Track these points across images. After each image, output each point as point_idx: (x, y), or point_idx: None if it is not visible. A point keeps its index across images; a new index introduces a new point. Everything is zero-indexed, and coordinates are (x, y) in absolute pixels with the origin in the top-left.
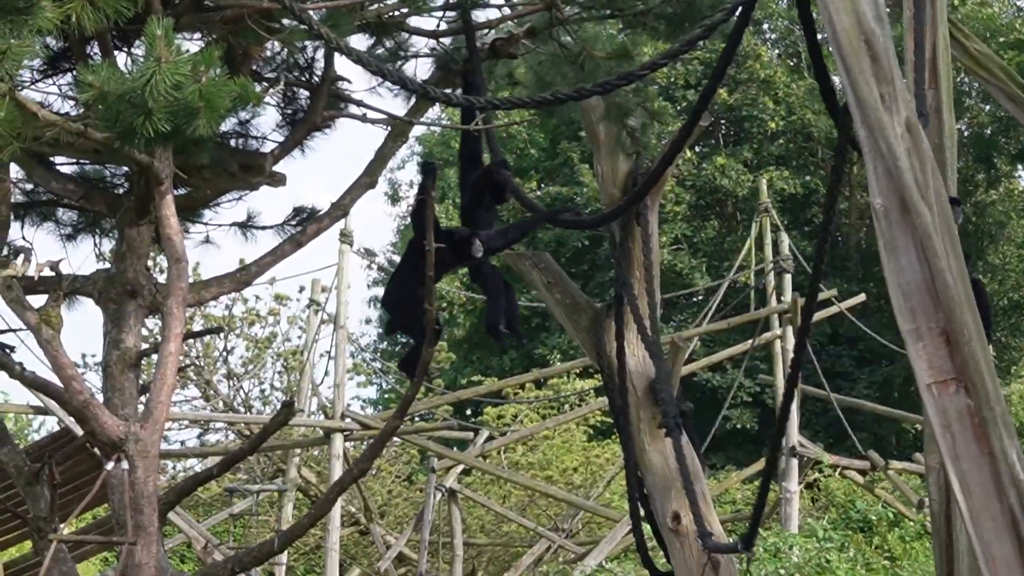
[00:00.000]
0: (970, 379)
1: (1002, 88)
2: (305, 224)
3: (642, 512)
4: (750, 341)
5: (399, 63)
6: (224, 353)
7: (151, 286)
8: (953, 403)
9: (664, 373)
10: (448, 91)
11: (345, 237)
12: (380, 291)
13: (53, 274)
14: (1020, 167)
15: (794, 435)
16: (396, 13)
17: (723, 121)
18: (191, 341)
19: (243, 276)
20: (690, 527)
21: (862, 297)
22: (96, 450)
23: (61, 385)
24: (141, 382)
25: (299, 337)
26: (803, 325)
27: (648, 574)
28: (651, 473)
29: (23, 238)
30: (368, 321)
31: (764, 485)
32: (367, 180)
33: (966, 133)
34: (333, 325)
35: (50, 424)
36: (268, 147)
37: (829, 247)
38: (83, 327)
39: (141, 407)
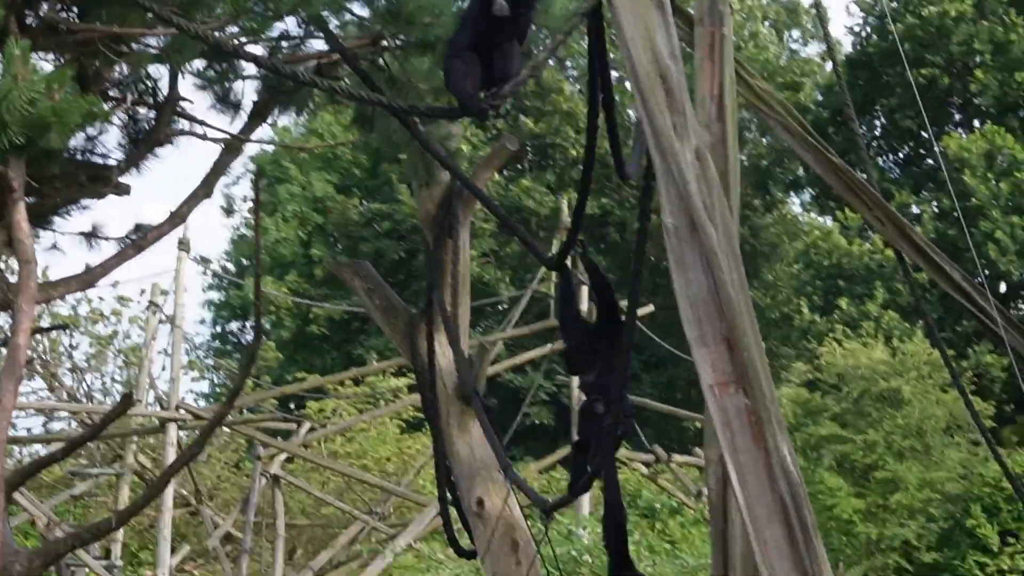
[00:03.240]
0: (748, 382)
1: (781, 122)
2: (146, 230)
3: (449, 497)
4: (549, 345)
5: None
6: (69, 349)
7: (3, 285)
8: (733, 403)
9: (464, 366)
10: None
11: (183, 245)
12: (214, 295)
13: None
14: (792, 194)
15: None
16: (236, 41)
17: (529, 148)
18: (39, 337)
19: (88, 277)
20: (492, 511)
21: (651, 308)
22: None
23: None
24: None
25: (139, 335)
26: (629, 332)
27: (454, 553)
28: (458, 462)
29: None
30: (203, 322)
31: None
32: (203, 191)
33: (745, 163)
34: (171, 325)
35: None
36: (113, 161)
37: (642, 264)
38: None
39: None
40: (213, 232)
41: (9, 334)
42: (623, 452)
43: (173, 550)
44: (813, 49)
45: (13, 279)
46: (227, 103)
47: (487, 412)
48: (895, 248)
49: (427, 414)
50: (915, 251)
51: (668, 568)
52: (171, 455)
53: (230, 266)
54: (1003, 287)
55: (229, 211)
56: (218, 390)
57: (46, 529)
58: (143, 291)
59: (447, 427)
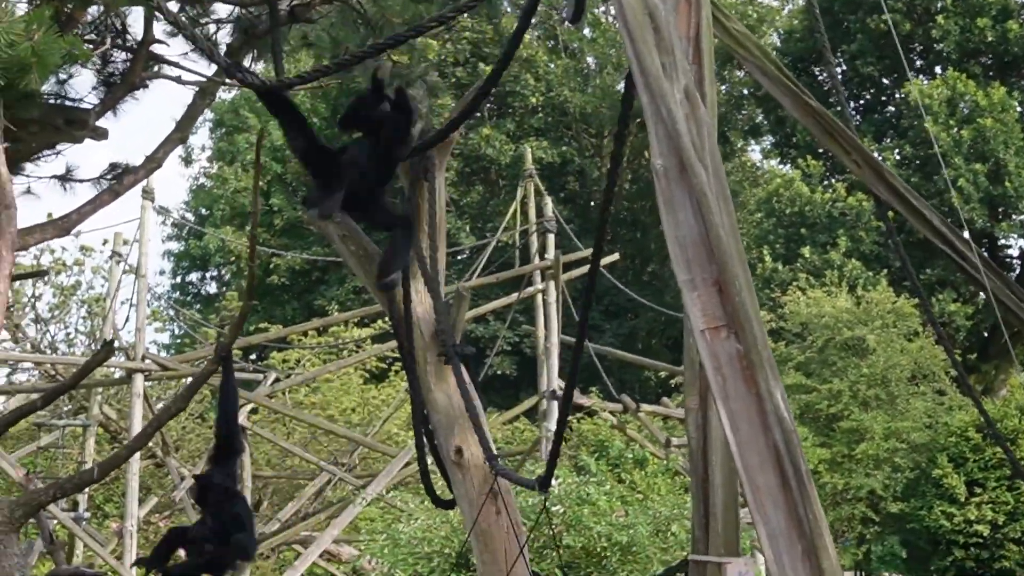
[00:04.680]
0: (740, 326)
1: (758, 65)
2: (122, 176)
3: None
4: (515, 294)
5: (203, 28)
6: (32, 299)
7: None
8: (724, 347)
9: (443, 311)
10: (250, 70)
11: (147, 194)
12: (173, 245)
13: None
14: (752, 141)
15: (554, 380)
16: None
17: (489, 95)
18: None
19: (65, 223)
20: (471, 460)
21: (616, 256)
22: None
23: None
24: None
25: (102, 286)
26: (589, 282)
27: (432, 503)
28: (436, 411)
29: None
30: (163, 272)
31: (560, 430)
32: (179, 135)
33: None
34: (135, 275)
35: None
36: (88, 105)
37: (610, 210)
38: None
39: None
40: (171, 182)
41: None
42: (595, 402)
43: (140, 502)
44: None
45: None
46: (200, 47)
47: (465, 361)
48: (872, 192)
49: (404, 362)
50: (893, 195)
51: (642, 519)
52: (138, 406)
53: (189, 216)
54: (966, 235)
55: (187, 161)
56: (179, 341)
57: (26, 479)
58: (105, 241)
59: (424, 375)
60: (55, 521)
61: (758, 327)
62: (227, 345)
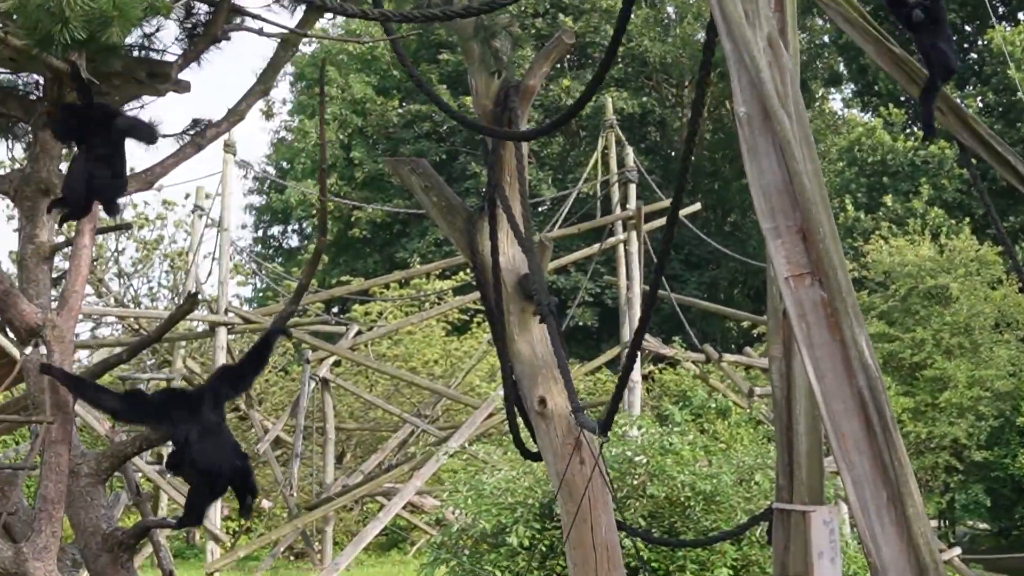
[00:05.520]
0: (824, 273)
1: (841, 12)
2: (204, 129)
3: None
4: (597, 245)
5: None
6: (116, 253)
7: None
8: (808, 295)
9: (536, 267)
10: (344, 3)
11: (229, 147)
12: (255, 199)
13: None
14: (833, 90)
15: None
16: None
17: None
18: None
19: (148, 176)
20: (555, 410)
21: (698, 206)
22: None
23: None
24: (54, 274)
25: (184, 239)
26: (667, 233)
27: (521, 455)
28: (519, 361)
29: None
30: (244, 226)
31: (623, 378)
32: (262, 88)
33: None
34: (217, 229)
35: None
36: (171, 57)
37: (689, 161)
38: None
39: (54, 302)
40: (252, 136)
41: (74, 234)
42: (677, 352)
43: None
44: None
45: None
46: None
47: (551, 313)
48: (956, 139)
49: (488, 313)
50: (977, 141)
51: (725, 468)
52: (221, 359)
53: (271, 170)
54: None
55: (269, 114)
56: (261, 294)
57: (111, 432)
58: (188, 195)
59: (508, 326)
60: (140, 473)
61: (842, 274)
62: (284, 319)
